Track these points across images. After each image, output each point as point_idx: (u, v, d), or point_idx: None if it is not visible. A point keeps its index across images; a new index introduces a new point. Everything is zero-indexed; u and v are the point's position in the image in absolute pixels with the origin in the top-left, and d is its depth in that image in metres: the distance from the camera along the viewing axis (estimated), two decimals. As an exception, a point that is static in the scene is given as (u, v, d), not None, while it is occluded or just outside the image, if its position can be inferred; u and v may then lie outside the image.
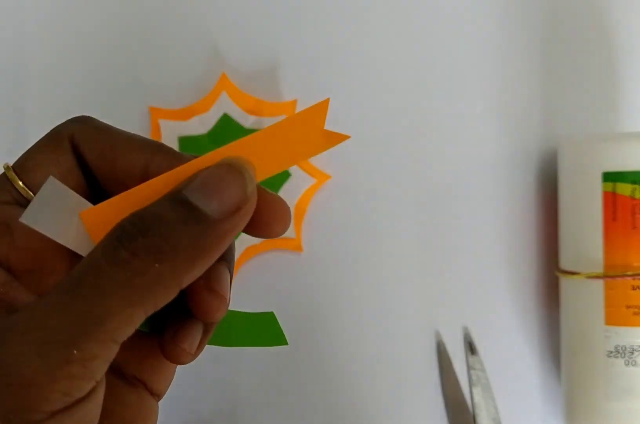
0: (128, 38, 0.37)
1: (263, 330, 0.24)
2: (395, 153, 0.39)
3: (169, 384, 0.24)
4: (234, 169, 0.19)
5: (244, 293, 0.38)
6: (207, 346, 0.22)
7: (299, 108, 0.38)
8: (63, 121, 0.31)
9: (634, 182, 0.35)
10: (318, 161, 0.38)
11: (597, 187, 0.36)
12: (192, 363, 0.25)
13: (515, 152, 0.39)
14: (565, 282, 0.38)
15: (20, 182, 0.21)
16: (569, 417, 0.37)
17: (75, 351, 0.17)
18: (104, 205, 0.20)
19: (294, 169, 0.38)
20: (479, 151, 0.39)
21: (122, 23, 0.37)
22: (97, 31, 0.37)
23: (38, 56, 0.37)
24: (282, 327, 0.23)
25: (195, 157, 0.20)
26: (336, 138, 0.20)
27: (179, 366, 0.27)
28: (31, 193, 0.21)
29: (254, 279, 0.38)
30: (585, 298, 0.36)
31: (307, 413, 0.38)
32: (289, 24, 0.38)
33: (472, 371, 0.38)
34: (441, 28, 0.39)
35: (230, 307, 0.22)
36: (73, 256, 0.21)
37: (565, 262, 0.38)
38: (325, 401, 0.38)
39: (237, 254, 0.38)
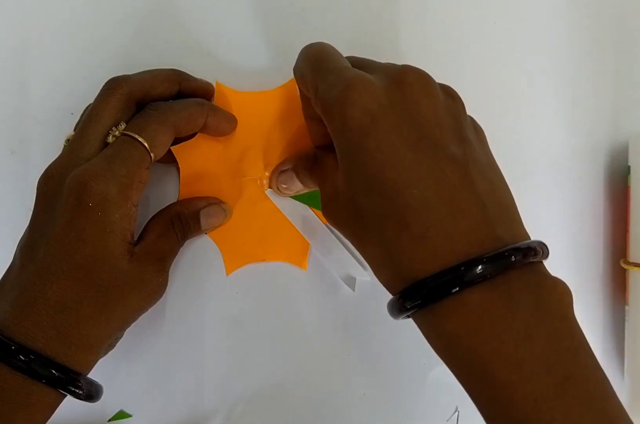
0: (132, 38, 0.36)
1: None
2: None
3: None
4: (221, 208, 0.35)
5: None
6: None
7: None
8: (66, 121, 0.35)
9: None
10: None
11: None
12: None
13: (586, 147, 0.38)
14: (634, 275, 0.37)
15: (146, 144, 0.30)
16: (632, 410, 0.37)
17: None
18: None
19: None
20: (549, 146, 0.38)
21: (126, 23, 0.36)
22: (102, 31, 0.36)
23: (41, 56, 0.36)
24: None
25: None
26: None
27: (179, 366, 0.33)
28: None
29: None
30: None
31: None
32: None
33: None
34: (512, 24, 0.38)
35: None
36: None
37: (635, 255, 0.37)
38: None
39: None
